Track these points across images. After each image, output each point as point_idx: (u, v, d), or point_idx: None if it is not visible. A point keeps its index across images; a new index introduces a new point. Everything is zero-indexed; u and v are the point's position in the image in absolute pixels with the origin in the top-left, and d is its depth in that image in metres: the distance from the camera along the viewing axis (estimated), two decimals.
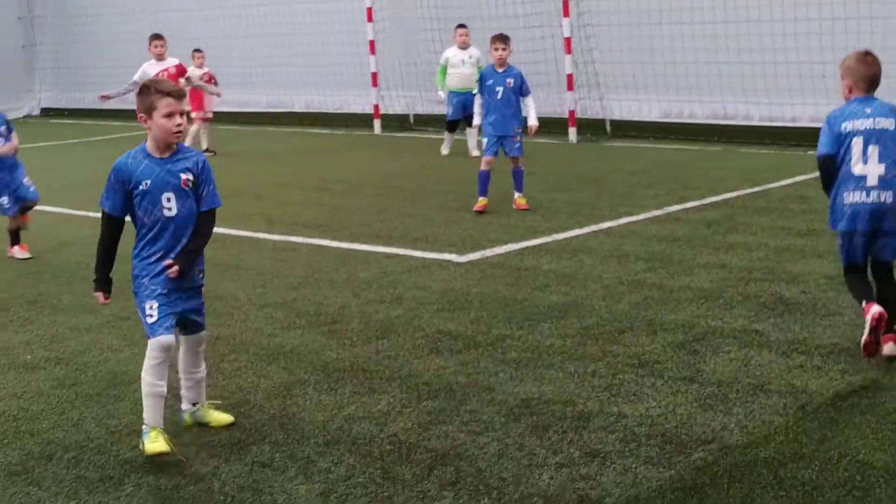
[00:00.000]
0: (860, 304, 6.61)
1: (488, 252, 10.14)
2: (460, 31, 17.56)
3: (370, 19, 21.61)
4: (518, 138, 12.46)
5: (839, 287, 8.19)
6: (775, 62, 17.46)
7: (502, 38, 12.59)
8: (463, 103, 16.75)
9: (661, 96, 19.04)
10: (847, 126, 6.69)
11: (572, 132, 18.95)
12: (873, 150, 6.58)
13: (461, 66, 17.36)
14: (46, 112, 30.95)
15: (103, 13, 28.64)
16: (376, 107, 22.00)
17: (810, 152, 15.85)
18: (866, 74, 6.78)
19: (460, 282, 9.08)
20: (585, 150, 17.94)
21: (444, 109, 18.42)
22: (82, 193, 15.38)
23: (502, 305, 8.25)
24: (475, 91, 12.88)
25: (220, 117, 22.56)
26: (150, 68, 16.36)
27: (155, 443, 5.56)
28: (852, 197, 6.61)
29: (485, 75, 12.65)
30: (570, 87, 18.98)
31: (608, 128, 19.22)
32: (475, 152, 16.17)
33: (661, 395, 6.14)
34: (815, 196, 12.10)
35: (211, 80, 19.84)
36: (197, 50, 20.04)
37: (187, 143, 19.17)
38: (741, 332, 7.27)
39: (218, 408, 6.18)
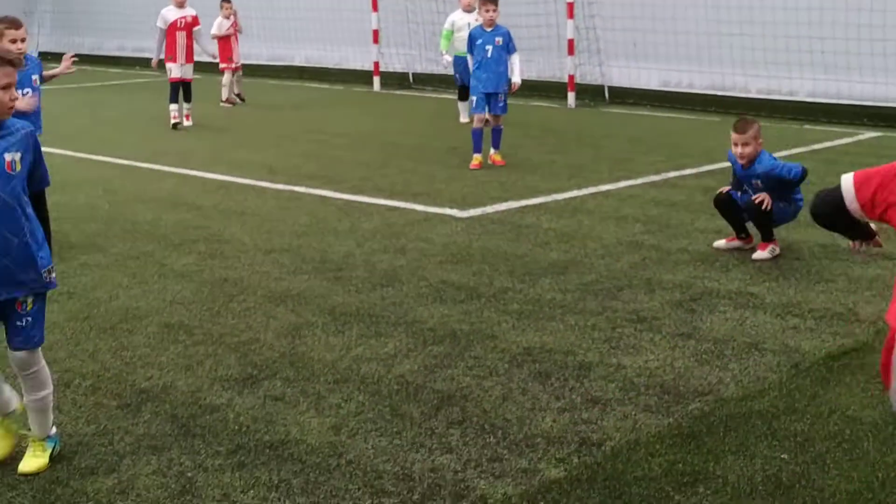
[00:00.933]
0: None
1: (489, 209, 10.32)
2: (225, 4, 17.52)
3: None
4: (503, 97, 12.86)
5: (832, 255, 8.43)
6: (775, 35, 17.60)
7: (493, 0, 12.86)
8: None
9: (660, 65, 19.17)
10: None
11: (571, 97, 19.08)
12: None
13: (467, 29, 17.30)
14: (44, 56, 30.68)
15: None
16: (376, 64, 22.08)
17: (807, 126, 16.08)
18: None
19: (462, 236, 9.27)
20: (584, 114, 18.09)
21: (442, 70, 18.50)
22: (84, 136, 15.56)
23: (503, 260, 8.44)
24: None
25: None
26: (169, 14, 16.81)
27: None
28: None
29: (474, 35, 12.93)
30: (571, 51, 19.08)
31: (607, 94, 19.36)
32: (465, 119, 16.24)
33: (660, 349, 6.35)
34: (811, 168, 12.25)
35: (237, 30, 19.87)
36: (226, 0, 19.93)
37: (224, 94, 19.39)
38: (737, 293, 7.48)
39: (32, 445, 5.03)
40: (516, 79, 12.97)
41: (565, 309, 7.17)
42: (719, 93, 18.38)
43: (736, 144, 8.46)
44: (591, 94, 19.34)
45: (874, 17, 16.57)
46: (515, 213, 10.18)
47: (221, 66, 19.54)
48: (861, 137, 15.16)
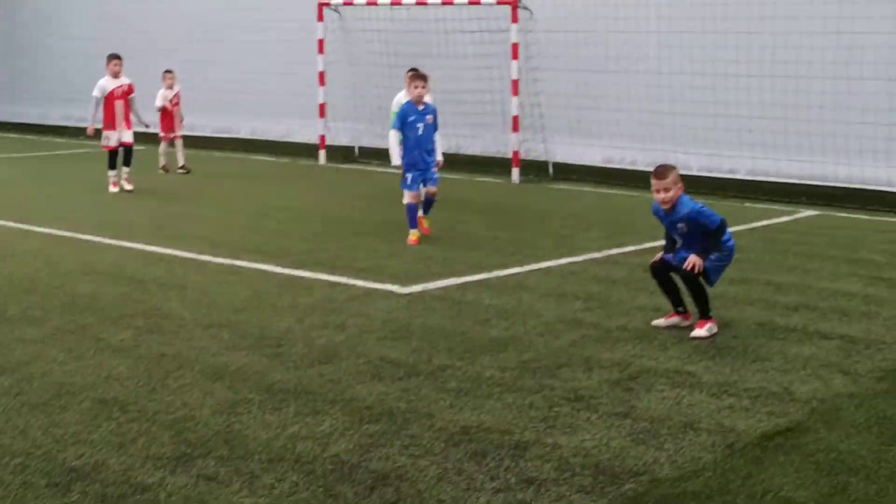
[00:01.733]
0: None
1: (430, 285, 10.34)
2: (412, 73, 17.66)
3: (321, 51, 21.82)
4: (436, 170, 13.21)
5: (769, 334, 8.52)
6: (715, 115, 17.91)
7: (423, 77, 13.12)
8: None
9: (603, 142, 19.42)
10: None
11: (515, 173, 19.25)
12: None
13: None
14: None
15: (49, 31, 28.63)
16: (322, 137, 22.17)
17: (746, 204, 16.30)
18: None
19: (402, 312, 9.27)
20: (528, 190, 18.23)
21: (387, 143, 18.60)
22: (28, 207, 15.43)
23: (443, 336, 8.44)
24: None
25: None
26: (107, 83, 17.41)
27: None
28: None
29: (406, 112, 13.03)
30: (516, 128, 19.29)
31: (551, 170, 19.54)
32: None
33: (596, 429, 6.36)
34: (749, 247, 12.45)
35: (178, 101, 20.30)
36: (167, 71, 20.43)
37: (161, 162, 19.78)
38: (674, 372, 7.52)
39: None
40: (440, 157, 13.28)
41: (503, 387, 7.17)
42: None
43: (658, 191, 8.77)
44: (535, 170, 19.52)
45: (811, 99, 16.91)
46: (457, 289, 10.20)
47: (160, 135, 20.17)
48: (800, 216, 15.39)
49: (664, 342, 8.30)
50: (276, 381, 7.27)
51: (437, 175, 13.16)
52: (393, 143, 12.96)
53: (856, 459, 5.86)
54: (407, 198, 12.92)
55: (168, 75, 20.27)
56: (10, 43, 30.22)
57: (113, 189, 17.06)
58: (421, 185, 13.03)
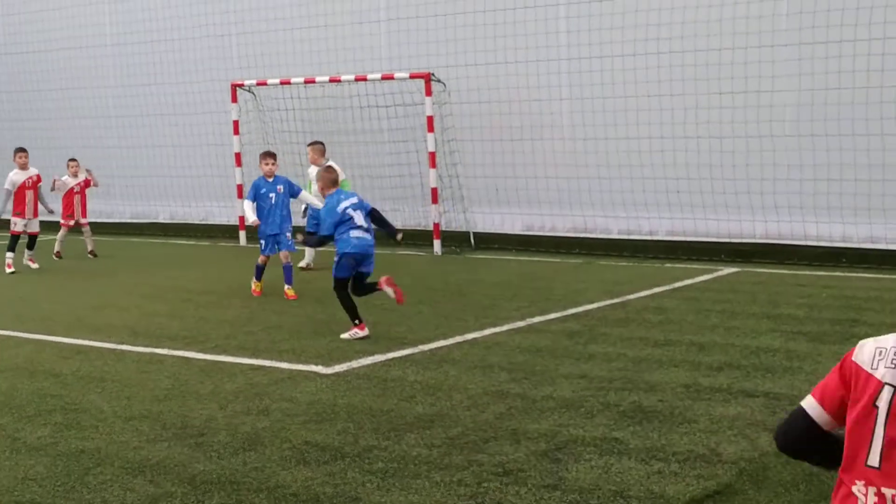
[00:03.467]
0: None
1: (354, 363, 10.24)
2: (314, 147, 18.11)
3: (236, 132, 21.76)
4: (290, 236, 14.89)
5: (694, 395, 8.53)
6: (632, 177, 18.09)
7: (272, 154, 15.33)
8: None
9: (523, 210, 19.50)
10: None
11: (437, 244, 19.26)
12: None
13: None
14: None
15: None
16: (241, 218, 22.01)
17: (667, 265, 16.43)
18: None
19: (327, 393, 9.15)
20: (450, 262, 18.24)
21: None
22: None
23: (369, 416, 8.34)
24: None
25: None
26: (17, 176, 18.60)
27: None
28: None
29: (258, 185, 14.91)
30: (435, 200, 19.33)
31: (472, 240, 19.57)
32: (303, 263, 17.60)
33: (525, 503, 6.28)
34: (672, 307, 12.54)
35: (88, 184, 20.50)
36: (72, 159, 20.67)
37: (56, 248, 19.82)
38: (602, 440, 7.48)
39: None
40: (316, 203, 14.97)
41: (431, 465, 7.08)
42: (581, 235, 18.73)
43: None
44: (457, 240, 19.55)
45: (724, 158, 17.16)
46: (381, 366, 10.12)
47: (61, 221, 20.35)
48: (720, 273, 15.54)
49: (590, 409, 8.27)
50: (199, 472, 7.11)
51: (291, 241, 14.83)
52: (245, 208, 15.11)
53: None
54: (260, 259, 15.01)
55: (72, 163, 20.49)
56: None
57: (8, 270, 18.15)
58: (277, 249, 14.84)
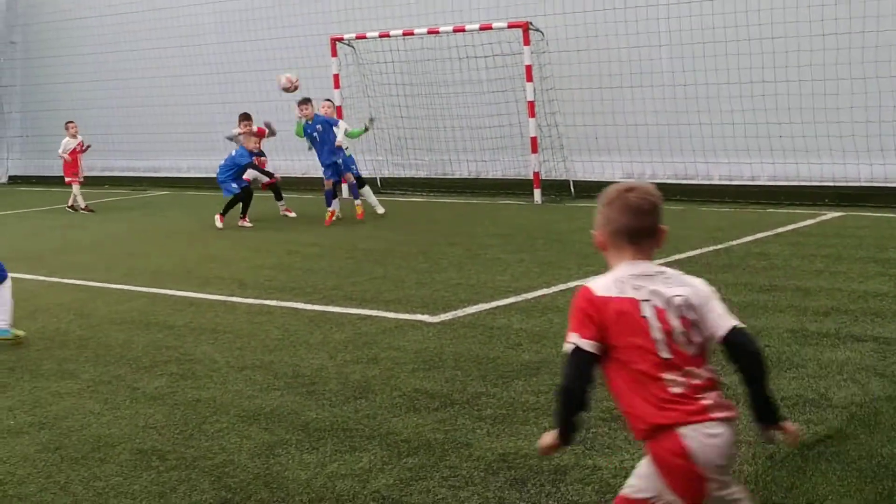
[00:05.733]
0: None
1: (459, 312, 10.35)
2: (325, 103, 18.86)
3: (337, 86, 21.92)
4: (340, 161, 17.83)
5: (802, 340, 8.49)
6: (733, 123, 17.90)
7: (306, 101, 17.85)
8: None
9: (623, 157, 19.43)
10: None
11: (537, 193, 19.27)
12: None
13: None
14: (14, 179, 31.10)
15: (70, 82, 28.90)
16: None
17: (770, 210, 16.25)
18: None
19: (434, 341, 9.28)
20: (551, 210, 18.24)
21: (412, 173, 18.94)
22: (54, 260, 15.53)
23: (476, 364, 8.45)
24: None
25: (182, 183, 22.98)
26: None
27: None
28: None
29: (305, 128, 17.87)
30: (535, 149, 19.32)
31: (572, 188, 19.54)
32: (381, 209, 18.49)
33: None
34: (776, 252, 12.43)
35: (82, 149, 22.80)
36: (70, 122, 23.03)
37: (70, 201, 22.39)
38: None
39: None
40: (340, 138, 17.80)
41: (539, 411, 7.16)
42: (682, 181, 18.62)
43: None
44: (556, 189, 19.54)
45: (828, 101, 16.88)
46: (486, 314, 10.21)
47: (67, 179, 22.71)
48: (824, 218, 15.34)
49: None
50: (312, 420, 7.29)
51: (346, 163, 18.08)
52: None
53: None
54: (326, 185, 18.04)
55: (71, 125, 22.66)
56: (28, 99, 30.54)
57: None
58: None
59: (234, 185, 18.57)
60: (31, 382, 8.78)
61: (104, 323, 11.00)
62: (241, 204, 18.47)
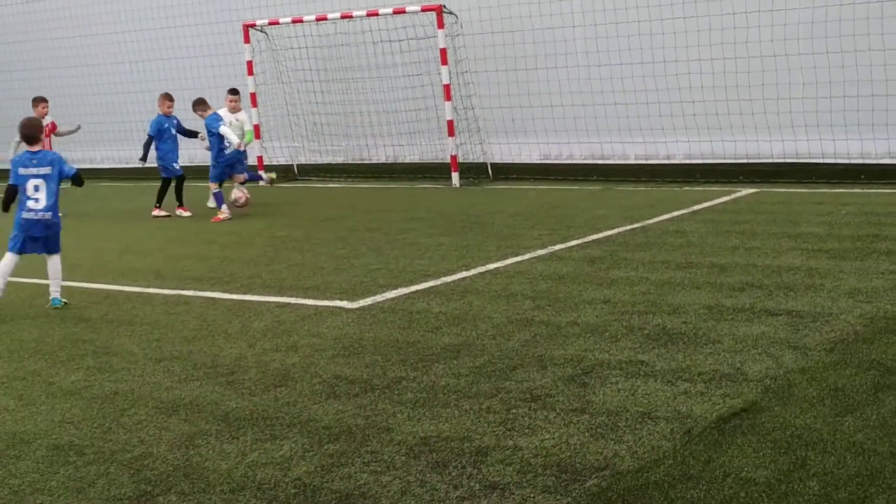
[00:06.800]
0: None
1: (379, 297, 10.33)
2: (230, 97, 18.28)
3: (250, 73, 21.74)
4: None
5: (717, 316, 8.60)
6: (647, 102, 18.07)
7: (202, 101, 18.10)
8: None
9: (539, 139, 19.52)
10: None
11: (455, 177, 19.30)
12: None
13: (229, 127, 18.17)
14: None
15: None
16: (259, 158, 22.08)
17: (685, 188, 16.45)
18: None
19: (353, 327, 9.25)
20: (469, 193, 18.28)
21: (329, 159, 18.87)
22: None
23: (396, 348, 8.44)
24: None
25: (103, 174, 22.62)
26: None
27: None
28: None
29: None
30: (452, 132, 19.33)
31: (490, 171, 19.60)
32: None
33: (555, 427, 6.38)
34: (692, 230, 12.59)
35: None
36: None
37: None
38: (627, 363, 7.57)
39: None
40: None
41: (459, 394, 7.18)
42: (599, 161, 18.75)
43: None
44: (474, 172, 19.58)
45: (739, 79, 17.10)
46: (406, 299, 10.21)
47: None
48: (739, 195, 15.56)
49: (615, 334, 8.35)
50: (232, 410, 7.23)
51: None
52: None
53: (812, 434, 5.93)
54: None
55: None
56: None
57: None
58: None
59: (176, 166, 18.19)
60: None
61: (17, 317, 10.81)
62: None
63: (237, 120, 17.95)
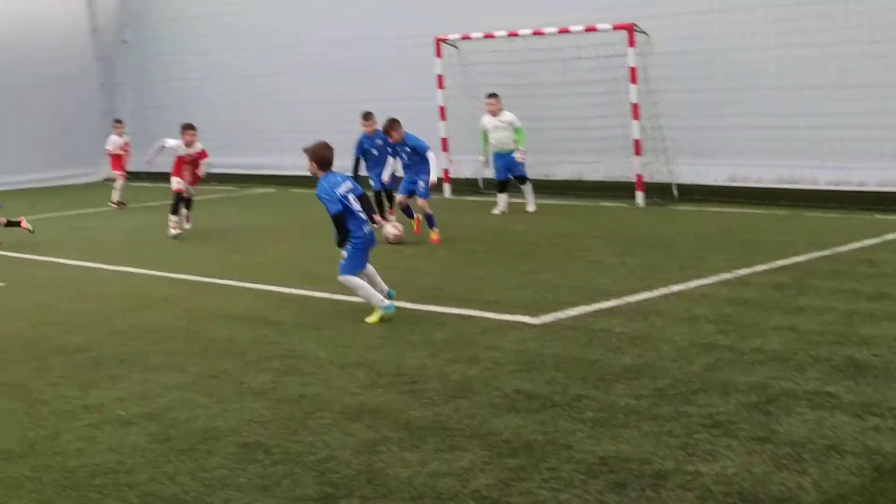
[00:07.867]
0: None
1: (560, 314, 10.35)
2: (489, 100, 18.92)
3: (440, 87, 22.01)
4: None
5: None
6: (841, 126, 17.59)
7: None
8: (505, 164, 18.86)
9: (727, 160, 19.22)
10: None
11: (639, 196, 19.17)
12: None
13: (495, 130, 18.85)
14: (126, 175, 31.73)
15: (182, 79, 29.44)
16: (446, 171, 22.30)
17: (878, 216, 15.97)
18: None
19: (534, 343, 9.30)
20: (653, 213, 18.13)
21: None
22: (163, 255, 15.82)
23: (576, 366, 8.45)
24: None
25: (288, 181, 23.26)
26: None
27: None
28: None
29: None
30: (638, 151, 19.21)
31: (675, 192, 19.39)
32: (532, 207, 18.73)
33: (737, 455, 6.30)
34: (884, 260, 12.23)
35: (128, 148, 24.60)
36: (118, 121, 25.24)
37: (115, 197, 23.36)
38: (814, 393, 7.41)
39: None
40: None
41: (640, 415, 7.15)
42: (788, 186, 18.35)
43: None
44: (659, 192, 19.39)
45: None
46: (587, 317, 10.20)
47: (116, 174, 24.19)
48: None
49: (801, 363, 8.19)
50: (414, 418, 7.36)
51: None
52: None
53: None
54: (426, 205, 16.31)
55: (118, 125, 24.59)
56: (139, 96, 31.17)
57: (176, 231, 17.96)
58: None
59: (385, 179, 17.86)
60: (141, 375, 8.99)
61: (210, 317, 11.21)
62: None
63: (501, 122, 18.74)
